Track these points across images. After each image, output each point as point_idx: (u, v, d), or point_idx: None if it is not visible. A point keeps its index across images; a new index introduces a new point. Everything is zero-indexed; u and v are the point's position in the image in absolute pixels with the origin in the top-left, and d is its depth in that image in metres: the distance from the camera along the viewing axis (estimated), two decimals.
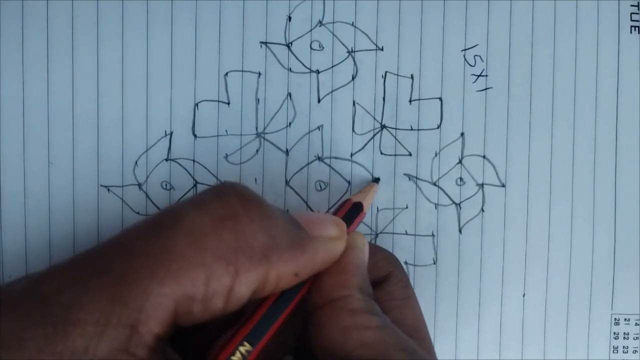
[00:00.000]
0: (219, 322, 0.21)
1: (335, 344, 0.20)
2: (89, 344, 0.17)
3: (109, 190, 0.29)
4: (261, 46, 0.29)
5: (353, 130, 0.29)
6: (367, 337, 0.20)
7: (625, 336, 0.30)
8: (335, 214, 0.25)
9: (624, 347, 0.30)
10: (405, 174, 0.30)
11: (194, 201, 0.20)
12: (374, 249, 0.25)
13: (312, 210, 0.29)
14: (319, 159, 0.29)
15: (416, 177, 0.30)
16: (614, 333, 0.30)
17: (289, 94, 0.29)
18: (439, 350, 0.29)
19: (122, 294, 0.18)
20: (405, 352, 0.20)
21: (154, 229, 0.19)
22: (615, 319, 0.30)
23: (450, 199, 0.30)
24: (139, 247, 0.19)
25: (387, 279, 0.25)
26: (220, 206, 0.19)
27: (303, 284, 0.21)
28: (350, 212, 0.25)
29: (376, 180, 0.29)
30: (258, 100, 0.29)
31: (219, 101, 0.29)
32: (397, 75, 0.29)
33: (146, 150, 0.29)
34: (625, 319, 0.30)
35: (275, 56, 0.29)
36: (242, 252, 0.19)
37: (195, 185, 0.29)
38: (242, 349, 0.20)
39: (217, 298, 0.19)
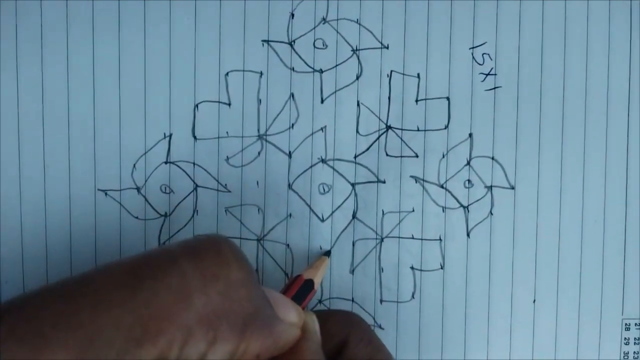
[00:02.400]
0: None
1: None
2: None
3: (106, 194, 0.29)
4: (263, 45, 0.28)
5: (357, 131, 0.29)
6: None
7: (636, 341, 0.30)
8: (286, 290, 0.25)
9: (634, 352, 0.30)
10: (411, 176, 0.29)
11: (187, 250, 0.18)
12: (325, 317, 0.24)
13: (314, 214, 0.29)
14: (323, 161, 0.29)
15: (423, 180, 0.29)
16: (625, 338, 0.29)
17: (292, 94, 0.29)
18: (447, 357, 0.29)
19: (93, 354, 0.16)
20: None
21: (134, 278, 0.17)
22: (626, 324, 0.29)
23: (458, 201, 0.29)
24: (115, 299, 0.17)
25: (346, 342, 0.24)
26: (215, 263, 0.18)
27: None
28: (302, 289, 0.25)
29: (327, 253, 0.29)
30: (260, 100, 0.29)
31: (219, 102, 0.29)
32: (403, 74, 0.29)
33: (145, 153, 0.29)
34: (636, 324, 0.30)
35: (278, 55, 0.29)
36: (225, 318, 0.18)
37: (195, 189, 0.29)
38: None
39: None
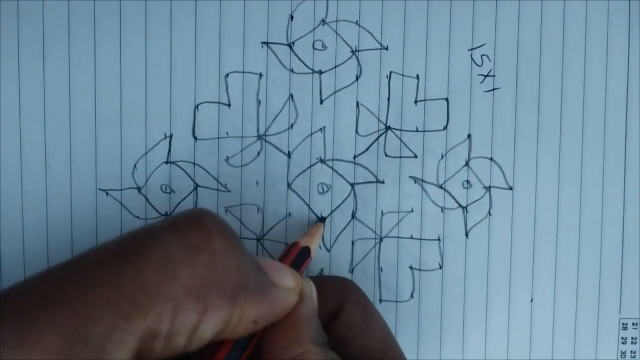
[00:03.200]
0: None
1: None
2: None
3: (107, 193, 0.29)
4: (262, 46, 0.29)
5: (357, 132, 0.29)
6: None
7: (633, 341, 0.30)
8: (283, 258, 0.25)
9: (631, 352, 0.30)
10: (410, 177, 0.29)
11: (167, 225, 0.18)
12: (321, 283, 0.24)
13: (314, 213, 0.29)
14: (322, 161, 0.29)
15: (422, 180, 0.29)
16: (622, 338, 0.30)
17: (291, 95, 0.29)
18: (446, 356, 0.29)
19: (82, 332, 0.16)
20: None
21: (118, 256, 0.17)
22: (623, 323, 0.29)
23: (457, 202, 0.29)
24: (101, 277, 0.17)
25: (341, 307, 0.24)
26: (198, 234, 0.18)
27: (253, 336, 0.21)
28: (298, 256, 0.25)
29: (322, 219, 0.29)
30: (259, 101, 0.29)
31: (219, 103, 0.29)
32: (402, 75, 0.29)
33: (145, 153, 0.29)
34: (633, 324, 0.30)
35: (277, 57, 0.29)
36: (213, 288, 0.18)
37: (195, 188, 0.29)
38: None
39: (180, 336, 0.17)
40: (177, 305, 0.17)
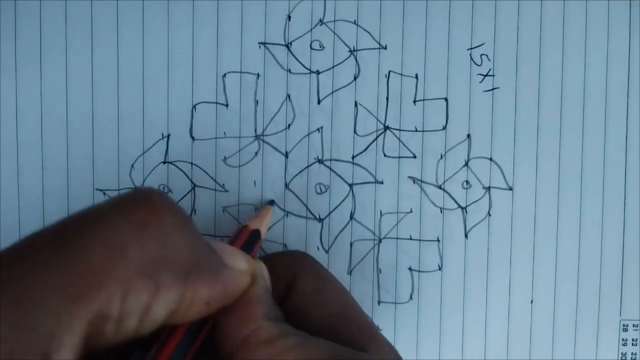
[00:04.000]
0: (123, 350, 0.19)
1: None
2: None
3: (104, 194, 0.29)
4: (260, 47, 0.28)
5: (355, 132, 0.29)
6: None
7: (634, 342, 0.29)
8: (233, 241, 0.24)
9: (632, 353, 0.29)
10: (409, 177, 0.29)
11: (114, 204, 0.17)
12: (272, 260, 0.23)
13: (311, 214, 0.29)
14: (319, 161, 0.29)
15: (421, 180, 0.29)
16: (623, 339, 0.29)
17: (288, 96, 0.29)
18: (444, 358, 0.29)
19: (27, 318, 0.15)
20: (336, 357, 0.19)
21: (61, 236, 0.16)
22: (623, 325, 0.29)
23: (456, 202, 0.29)
24: (43, 259, 0.16)
25: (294, 280, 0.23)
26: (146, 212, 0.17)
27: (206, 321, 0.20)
28: (249, 239, 0.25)
29: (270, 202, 0.28)
30: (257, 101, 0.29)
31: (217, 103, 0.29)
32: (401, 74, 0.29)
33: (143, 153, 0.29)
34: (633, 325, 0.29)
35: (274, 57, 0.28)
36: (165, 266, 0.17)
37: (193, 188, 0.29)
38: None
39: (131, 318, 0.16)
40: (128, 285, 0.16)
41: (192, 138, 0.29)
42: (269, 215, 0.27)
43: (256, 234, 0.25)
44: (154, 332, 0.18)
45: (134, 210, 0.17)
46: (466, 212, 0.29)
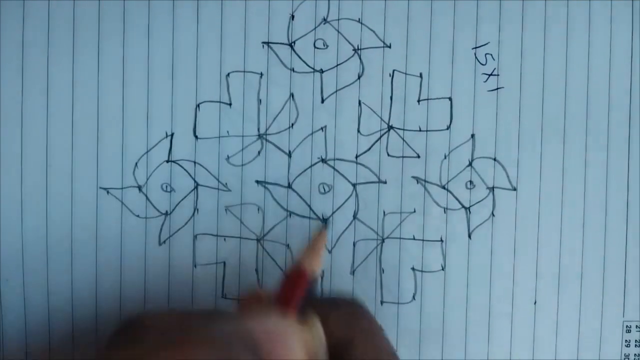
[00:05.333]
0: None
1: None
2: None
3: (108, 192, 0.29)
4: (263, 46, 0.28)
5: (358, 131, 0.29)
6: None
7: (637, 344, 0.29)
8: (292, 295, 0.23)
9: (635, 354, 0.29)
10: (413, 177, 0.29)
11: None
12: (326, 312, 0.23)
13: (314, 214, 0.29)
14: (323, 160, 0.29)
15: (424, 180, 0.29)
16: (626, 341, 0.29)
17: (292, 95, 0.29)
18: (448, 359, 0.29)
19: None
20: None
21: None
22: (627, 326, 0.29)
23: (460, 202, 0.29)
24: None
25: (349, 343, 0.23)
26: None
27: None
28: (308, 292, 0.23)
29: (324, 223, 0.28)
30: (260, 101, 0.29)
31: (220, 102, 0.29)
32: (405, 73, 0.29)
33: (146, 152, 0.29)
34: (636, 326, 0.29)
35: (278, 56, 0.28)
36: None
37: (196, 187, 0.29)
38: None
39: None
40: None
41: (196, 137, 0.29)
42: (324, 248, 0.26)
43: (314, 285, 0.23)
44: None
45: None
46: (470, 212, 0.29)
